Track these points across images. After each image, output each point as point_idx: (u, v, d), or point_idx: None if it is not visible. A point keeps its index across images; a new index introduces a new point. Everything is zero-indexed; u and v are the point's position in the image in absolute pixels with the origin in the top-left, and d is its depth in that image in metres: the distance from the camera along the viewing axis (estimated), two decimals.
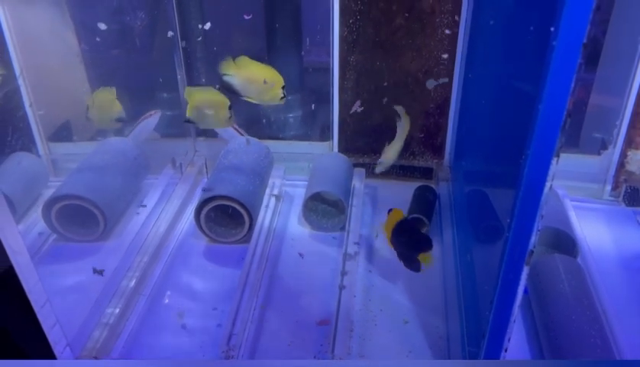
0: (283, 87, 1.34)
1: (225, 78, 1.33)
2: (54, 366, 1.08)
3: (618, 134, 1.66)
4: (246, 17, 1.72)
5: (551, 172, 0.75)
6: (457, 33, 1.61)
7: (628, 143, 1.67)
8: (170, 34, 1.71)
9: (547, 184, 0.75)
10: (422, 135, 1.80)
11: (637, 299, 1.37)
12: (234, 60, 1.32)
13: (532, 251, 0.84)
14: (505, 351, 0.98)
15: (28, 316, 1.04)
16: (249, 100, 1.35)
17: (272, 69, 1.35)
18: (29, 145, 1.80)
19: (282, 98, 1.35)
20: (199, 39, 1.80)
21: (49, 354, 1.11)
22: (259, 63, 1.34)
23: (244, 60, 1.33)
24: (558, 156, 0.74)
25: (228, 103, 1.38)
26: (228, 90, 1.35)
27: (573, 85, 0.67)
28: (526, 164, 0.75)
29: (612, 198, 1.74)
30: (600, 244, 1.52)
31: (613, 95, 1.66)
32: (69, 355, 1.15)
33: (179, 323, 1.31)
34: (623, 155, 1.70)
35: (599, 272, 1.38)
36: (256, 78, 1.33)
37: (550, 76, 0.66)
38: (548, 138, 0.72)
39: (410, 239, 1.33)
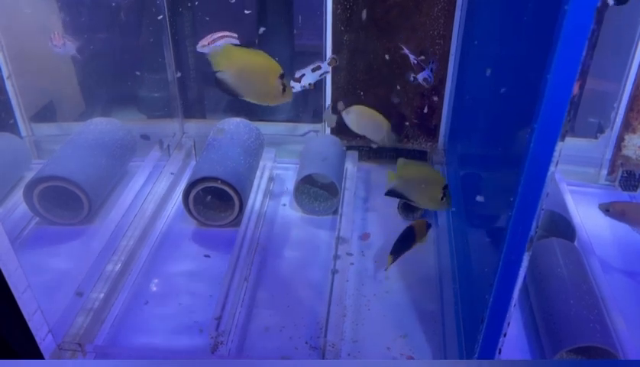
0: (282, 76, 1.09)
1: (219, 74, 1.08)
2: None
3: (615, 118, 1.63)
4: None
5: (557, 148, 0.72)
6: (454, 11, 1.57)
7: (626, 127, 1.65)
8: (160, 17, 1.63)
9: (554, 159, 0.71)
10: (416, 118, 1.76)
11: (634, 283, 1.35)
12: (221, 51, 1.09)
13: (533, 237, 0.81)
14: (504, 336, 0.95)
15: (8, 302, 1.00)
16: (250, 100, 1.12)
17: (263, 55, 1.09)
18: (10, 126, 1.73)
19: (284, 91, 1.09)
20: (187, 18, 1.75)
21: (30, 341, 1.07)
22: (244, 50, 1.10)
23: (227, 49, 1.09)
24: (566, 131, 0.70)
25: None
26: (224, 90, 1.10)
27: (585, 52, 0.63)
28: (532, 138, 0.71)
29: (608, 182, 1.72)
30: (597, 228, 1.50)
31: (609, 80, 1.63)
32: (51, 341, 1.11)
33: (165, 309, 1.27)
34: (620, 139, 1.67)
35: (597, 256, 1.36)
36: (246, 70, 1.08)
37: (561, 42, 0.62)
38: (556, 110, 0.68)
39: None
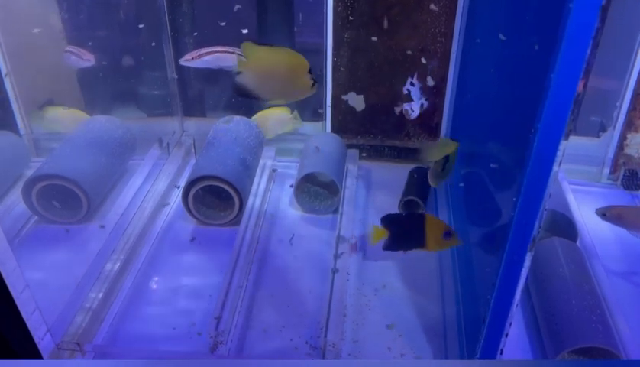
0: (310, 71, 1.03)
1: (238, 78, 1.00)
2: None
3: (617, 117, 1.62)
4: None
5: (561, 147, 0.71)
6: (456, 8, 1.56)
7: (628, 126, 1.64)
8: (140, 26, 1.62)
9: (558, 158, 0.71)
10: (418, 116, 1.75)
11: (637, 283, 1.34)
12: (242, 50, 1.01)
13: (536, 237, 0.80)
14: (506, 336, 0.94)
15: (7, 301, 0.99)
16: (273, 103, 1.10)
17: (288, 51, 1.03)
18: (9, 124, 1.73)
19: (313, 85, 1.04)
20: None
21: (29, 340, 1.06)
22: (269, 47, 1.02)
23: (249, 47, 1.00)
24: (570, 130, 0.70)
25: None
26: (243, 94, 1.03)
27: (589, 51, 0.62)
28: (535, 138, 0.71)
29: (610, 181, 1.71)
30: (599, 228, 1.48)
31: (611, 78, 1.62)
32: (49, 341, 1.10)
33: (165, 308, 1.26)
34: (622, 138, 1.66)
35: (599, 256, 1.35)
36: (271, 69, 1.01)
37: (565, 40, 0.62)
38: (560, 109, 0.68)
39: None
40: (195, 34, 1.72)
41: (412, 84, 1.40)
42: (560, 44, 0.63)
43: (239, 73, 1.02)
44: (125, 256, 1.36)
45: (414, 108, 1.35)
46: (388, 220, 1.17)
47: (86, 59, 1.51)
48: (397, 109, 1.40)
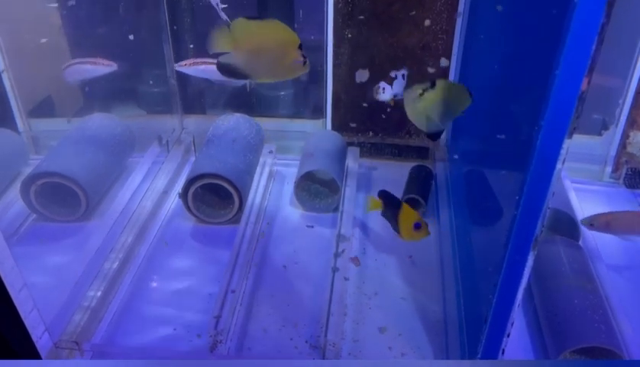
0: (300, 47, 0.98)
1: (222, 59, 0.96)
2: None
3: (620, 115, 1.61)
4: None
5: (565, 145, 0.70)
6: (458, 5, 1.55)
7: (631, 124, 1.63)
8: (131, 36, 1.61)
9: (562, 157, 0.70)
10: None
11: (639, 282, 1.33)
12: (229, 27, 0.95)
13: (539, 236, 0.79)
14: (508, 336, 0.94)
15: (5, 301, 0.99)
16: (262, 81, 1.05)
17: (279, 25, 0.97)
18: (7, 121, 1.72)
19: (304, 63, 0.99)
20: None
21: (27, 340, 1.05)
22: (260, 22, 0.96)
23: (241, 23, 0.95)
24: (574, 128, 0.69)
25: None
26: (231, 74, 0.98)
27: (594, 47, 0.61)
28: (539, 135, 0.70)
29: (612, 180, 1.70)
30: None
31: (614, 76, 1.61)
32: (47, 340, 1.09)
33: (163, 307, 1.26)
34: (625, 136, 1.65)
35: (602, 255, 1.34)
36: (262, 45, 0.96)
37: (570, 36, 0.60)
38: (564, 107, 0.67)
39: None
40: (191, 45, 1.72)
41: (400, 75, 1.39)
42: (565, 40, 0.62)
43: (224, 52, 0.98)
44: (124, 254, 1.35)
45: (386, 91, 1.33)
46: (383, 195, 1.28)
47: (107, 64, 1.49)
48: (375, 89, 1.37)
